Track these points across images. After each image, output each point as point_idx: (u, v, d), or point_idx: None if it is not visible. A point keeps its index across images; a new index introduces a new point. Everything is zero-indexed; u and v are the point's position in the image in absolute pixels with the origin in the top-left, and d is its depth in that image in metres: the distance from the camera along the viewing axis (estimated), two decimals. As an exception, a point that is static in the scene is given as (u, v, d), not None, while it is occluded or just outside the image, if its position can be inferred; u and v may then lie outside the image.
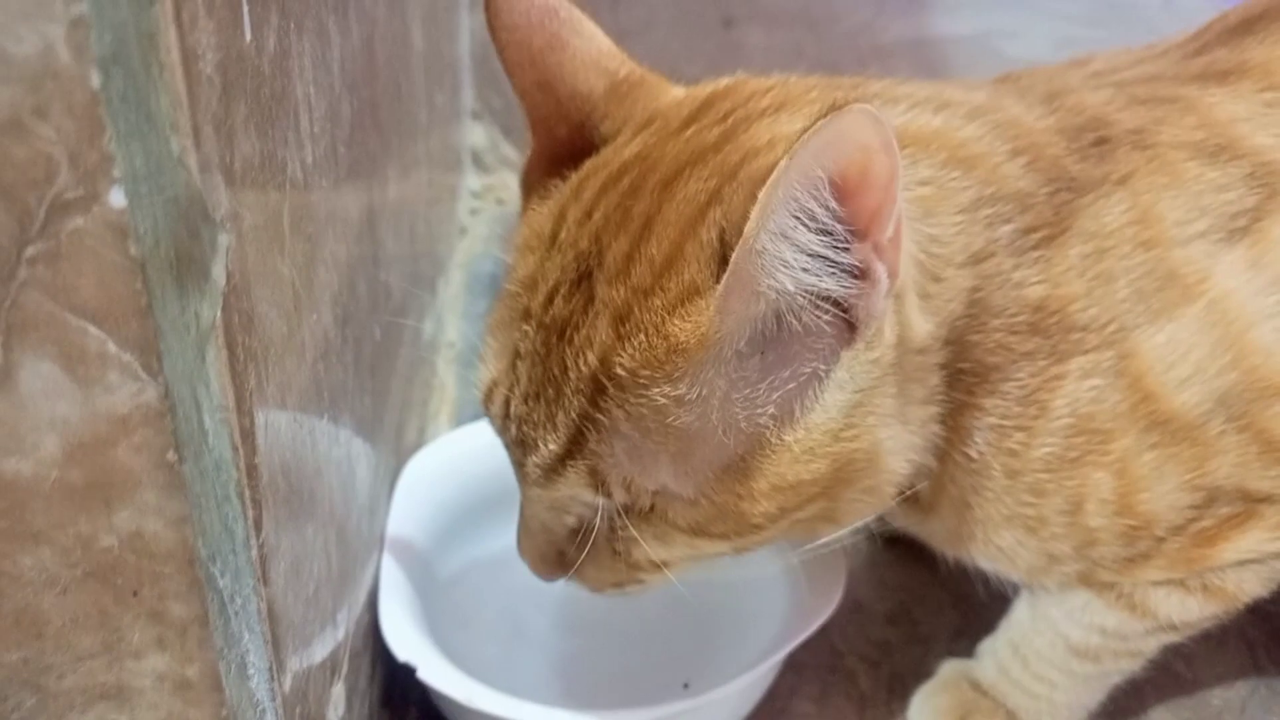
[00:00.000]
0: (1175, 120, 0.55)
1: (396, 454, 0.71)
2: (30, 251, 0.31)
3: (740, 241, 0.42)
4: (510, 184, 1.19)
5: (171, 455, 0.34)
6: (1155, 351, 0.52)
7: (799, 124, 0.49)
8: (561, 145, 0.53)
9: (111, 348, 0.32)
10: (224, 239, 0.33)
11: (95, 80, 0.29)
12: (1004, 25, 1.18)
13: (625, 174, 0.49)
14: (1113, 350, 0.52)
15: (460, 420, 0.87)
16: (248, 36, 0.36)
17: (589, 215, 0.49)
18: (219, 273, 0.33)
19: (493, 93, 1.16)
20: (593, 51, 0.53)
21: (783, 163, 0.40)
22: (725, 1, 1.16)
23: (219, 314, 0.33)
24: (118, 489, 0.35)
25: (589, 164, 0.51)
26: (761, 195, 0.41)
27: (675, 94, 0.54)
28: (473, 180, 1.19)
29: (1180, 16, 1.15)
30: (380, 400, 0.64)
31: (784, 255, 0.43)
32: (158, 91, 0.30)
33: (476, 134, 1.20)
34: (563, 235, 0.49)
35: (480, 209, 1.17)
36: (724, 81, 0.54)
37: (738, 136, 0.48)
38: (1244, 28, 0.61)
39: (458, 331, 0.98)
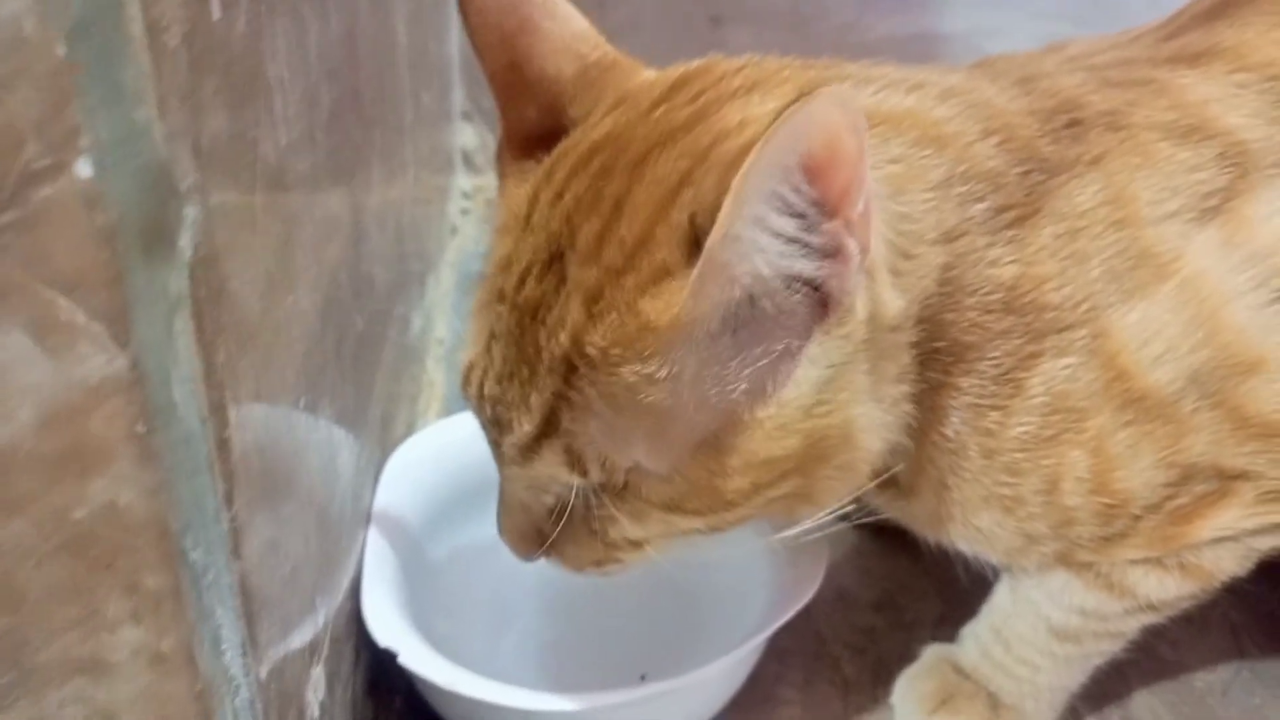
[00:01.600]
0: (1148, 102, 0.56)
1: (382, 446, 0.71)
2: (0, 221, 0.32)
3: (714, 229, 0.42)
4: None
5: (141, 427, 0.34)
6: (1128, 330, 0.52)
7: (770, 105, 0.49)
8: (532, 127, 0.54)
9: (81, 317, 0.33)
10: (191, 211, 0.33)
11: (61, 50, 0.30)
12: (990, 23, 1.19)
13: (596, 155, 0.49)
14: (1086, 329, 0.53)
15: (449, 416, 0.87)
16: (216, 14, 0.36)
17: (560, 196, 0.49)
18: (186, 244, 0.33)
19: (483, 94, 1.17)
20: (565, 35, 0.54)
21: (755, 150, 0.40)
22: (713, 0, 1.17)
23: (186, 285, 0.34)
24: (91, 459, 0.35)
25: (560, 146, 0.52)
26: (735, 183, 0.41)
27: (646, 75, 0.55)
28: (464, 180, 1.19)
29: (1165, 13, 1.16)
30: (364, 391, 0.65)
31: (759, 241, 0.44)
32: (123, 62, 0.30)
33: (467, 135, 1.20)
34: (535, 217, 0.50)
35: (471, 209, 1.18)
36: (695, 62, 0.54)
37: (708, 117, 0.49)
38: (1216, 11, 0.61)
39: (448, 329, 0.98)
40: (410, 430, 0.82)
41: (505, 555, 0.56)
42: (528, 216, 0.50)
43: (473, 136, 1.21)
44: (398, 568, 0.65)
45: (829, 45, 1.18)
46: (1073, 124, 0.55)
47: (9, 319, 0.33)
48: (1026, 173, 0.53)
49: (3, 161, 0.31)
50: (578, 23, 0.54)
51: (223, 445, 0.37)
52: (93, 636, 0.38)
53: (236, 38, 0.39)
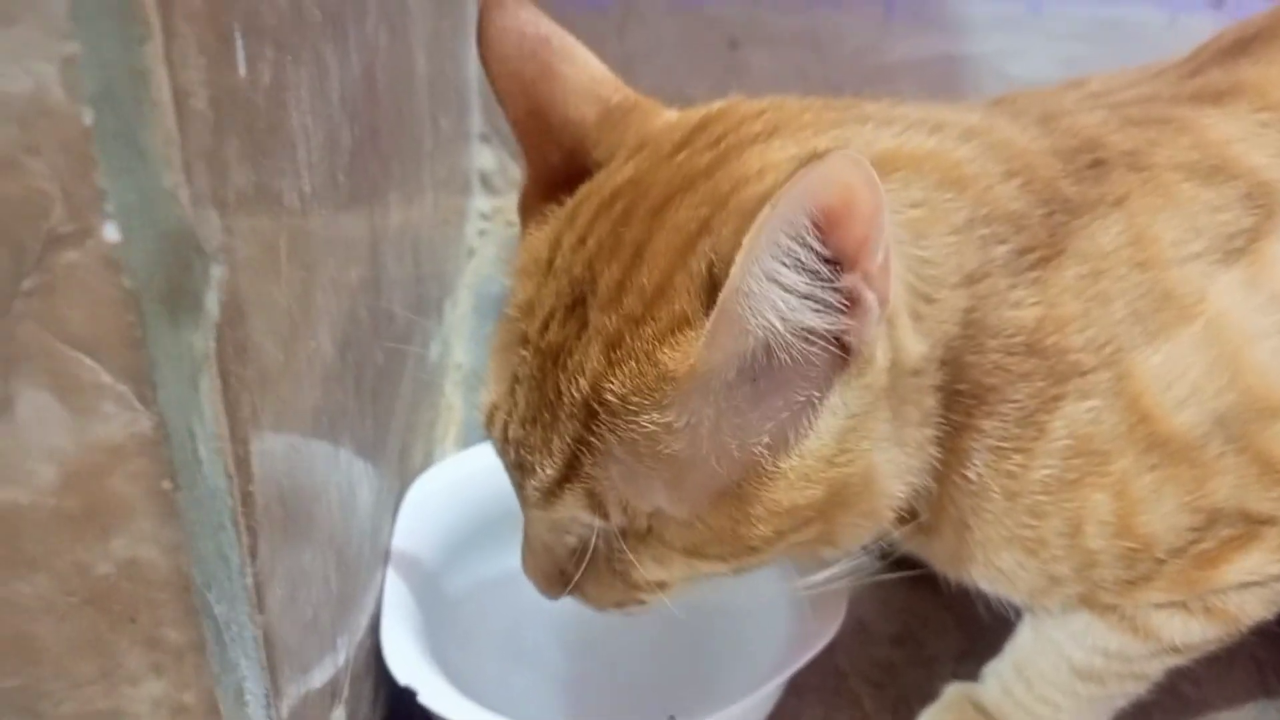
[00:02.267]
0: (1170, 141, 0.55)
1: (400, 476, 0.71)
2: (26, 285, 0.32)
3: (727, 282, 0.42)
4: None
5: (166, 484, 0.35)
6: (1152, 372, 0.52)
7: (790, 150, 0.49)
8: (556, 172, 0.54)
9: (106, 378, 0.33)
10: (217, 270, 0.33)
11: (87, 118, 0.30)
12: (1008, 46, 1.18)
13: (618, 199, 0.49)
14: (1110, 371, 0.52)
15: (467, 442, 0.87)
16: (242, 71, 0.37)
17: (583, 241, 0.49)
18: (212, 304, 0.33)
19: (500, 116, 1.17)
20: (584, 79, 0.54)
21: (767, 207, 0.40)
22: (730, 24, 1.16)
23: (212, 344, 0.34)
24: (113, 517, 0.35)
25: (583, 189, 0.52)
26: (746, 240, 0.41)
27: (668, 118, 0.55)
28: (481, 202, 1.20)
29: (1185, 35, 1.15)
30: (383, 423, 0.65)
31: (770, 296, 0.43)
32: (149, 128, 0.31)
33: (485, 156, 1.20)
34: (558, 261, 0.50)
35: (489, 230, 1.18)
36: (717, 104, 0.54)
37: (729, 163, 0.49)
38: (1238, 48, 0.61)
39: (465, 353, 0.98)
40: (428, 457, 0.82)
41: (523, 590, 0.56)
42: (550, 261, 0.50)
43: (490, 158, 1.21)
44: (416, 603, 0.65)
45: (847, 68, 1.18)
46: (1095, 164, 0.55)
47: (34, 380, 0.33)
48: (1049, 214, 0.53)
49: (29, 226, 0.31)
50: (596, 67, 0.55)
51: (247, 499, 0.37)
52: (114, 690, 0.39)
53: (261, 92, 0.39)
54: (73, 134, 0.30)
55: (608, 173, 0.52)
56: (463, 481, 0.73)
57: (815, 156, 0.40)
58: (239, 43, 0.36)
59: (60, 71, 0.29)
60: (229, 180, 0.35)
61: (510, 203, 1.21)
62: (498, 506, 0.65)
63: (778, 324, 0.44)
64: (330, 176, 0.49)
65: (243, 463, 0.37)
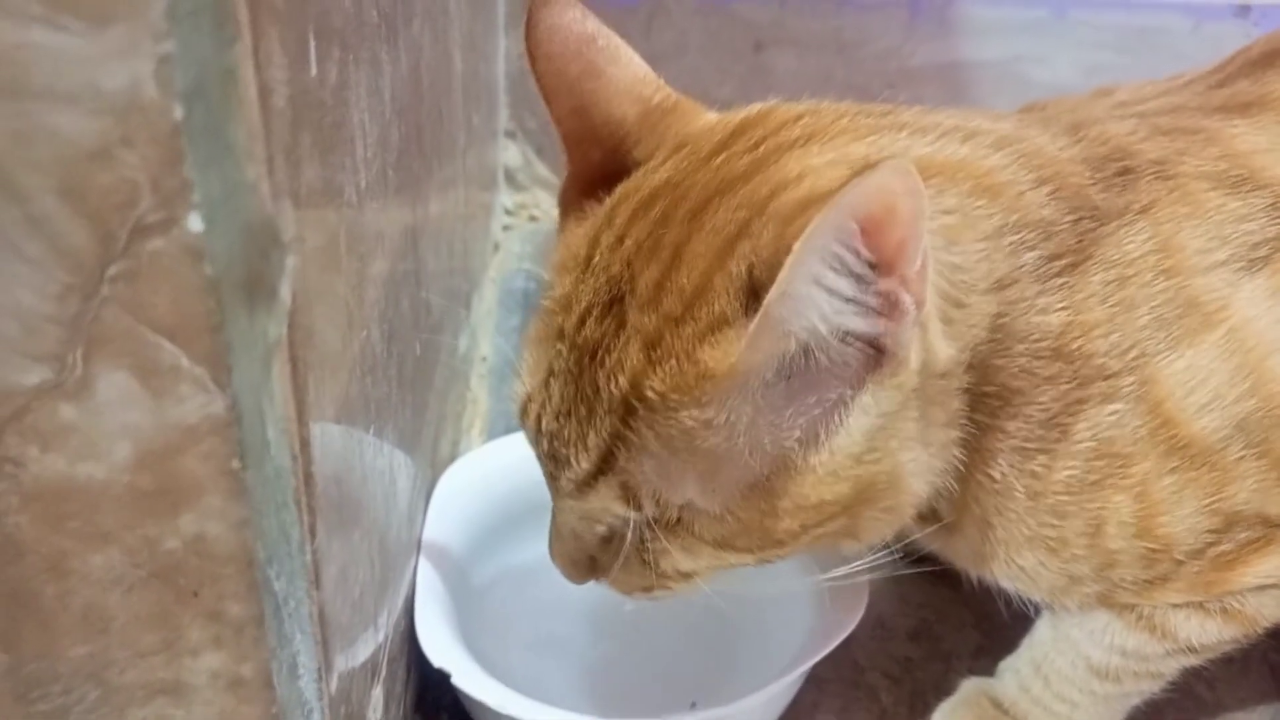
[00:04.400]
0: (1198, 151, 0.57)
1: (432, 466, 0.73)
2: (112, 270, 0.33)
3: (774, 286, 0.44)
4: (542, 201, 1.21)
5: (235, 463, 0.36)
6: (1175, 378, 0.53)
7: (828, 156, 0.51)
8: (596, 169, 0.55)
9: (184, 361, 0.34)
10: (291, 261, 0.35)
11: (178, 112, 0.31)
12: (1032, 50, 1.19)
13: (656, 200, 0.51)
14: (1133, 376, 0.53)
15: (492, 433, 0.89)
16: (313, 70, 0.38)
17: (621, 240, 0.50)
18: (286, 292, 0.35)
19: (526, 112, 1.18)
20: (628, 78, 0.55)
21: (818, 217, 0.42)
22: (756, 25, 1.17)
23: (284, 331, 0.35)
24: (184, 494, 0.37)
25: (621, 188, 0.53)
26: (796, 245, 0.42)
27: (707, 119, 0.56)
28: (506, 198, 1.21)
29: (1209, 42, 1.16)
30: (419, 413, 0.66)
31: (815, 299, 0.45)
32: (235, 123, 0.32)
33: (510, 152, 1.22)
34: (596, 259, 0.51)
35: (513, 225, 1.19)
36: (756, 108, 0.55)
37: (767, 167, 0.50)
38: (1267, 60, 0.62)
39: (490, 346, 1.00)
40: (455, 447, 0.84)
41: (551, 577, 0.57)
42: (588, 258, 0.51)
43: (516, 154, 1.22)
44: (447, 590, 0.66)
45: (872, 71, 1.19)
46: (1123, 172, 0.56)
47: (115, 361, 0.35)
48: (1077, 220, 0.54)
49: (119, 214, 0.33)
50: (639, 66, 0.56)
51: (309, 479, 0.39)
52: (175, 661, 0.40)
53: (328, 91, 0.40)
54: (164, 128, 0.31)
55: (646, 172, 0.53)
56: (491, 473, 0.74)
57: (867, 166, 0.41)
58: (312, 42, 0.38)
59: (155, 69, 0.31)
60: (301, 174, 0.37)
61: (533, 198, 1.23)
62: (525, 497, 0.67)
63: (820, 326, 0.45)
64: (382, 172, 0.51)
65: (306, 445, 0.39)
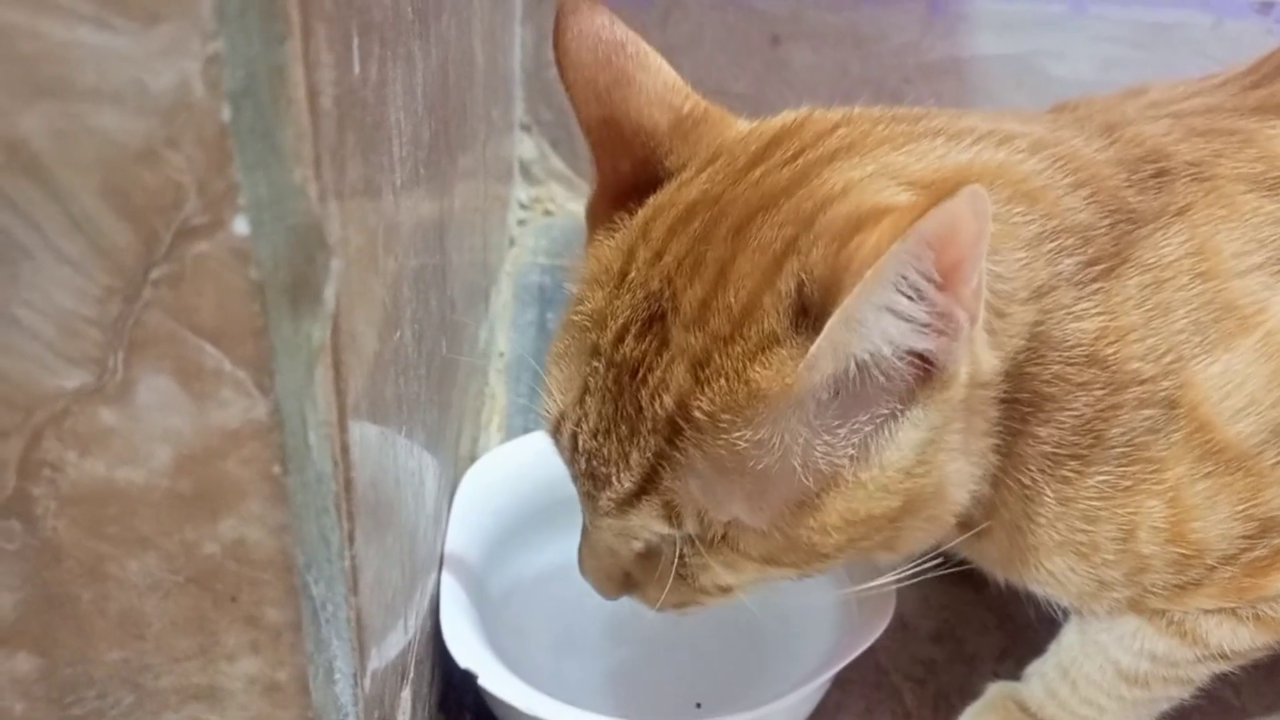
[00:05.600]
0: (1234, 153, 0.56)
1: (454, 464, 0.72)
2: (155, 273, 0.33)
3: (838, 311, 0.43)
4: (557, 195, 1.20)
5: (277, 469, 0.36)
6: (1210, 382, 0.53)
7: (869, 168, 0.50)
8: (626, 179, 0.54)
9: (227, 366, 0.34)
10: (336, 264, 0.34)
11: (226, 113, 0.31)
12: (1049, 46, 1.18)
13: (695, 215, 0.50)
14: (1169, 380, 0.53)
15: (509, 428, 0.89)
16: (356, 69, 0.38)
17: (659, 256, 0.50)
18: (330, 296, 0.34)
19: (542, 105, 1.18)
20: (658, 86, 0.54)
21: (895, 245, 0.41)
22: (772, 19, 1.17)
23: (328, 335, 0.35)
24: (224, 499, 0.36)
25: (655, 201, 0.52)
26: (868, 275, 0.42)
27: (740, 129, 0.55)
28: (521, 191, 1.20)
29: (1228, 39, 1.15)
30: (444, 412, 0.66)
31: (883, 325, 0.45)
32: (283, 124, 0.31)
33: (525, 146, 1.21)
34: (632, 274, 0.50)
35: (528, 219, 1.19)
36: (790, 116, 0.55)
37: (809, 181, 0.49)
38: (1303, 62, 0.61)
39: (507, 341, 0.99)
40: (475, 444, 0.84)
41: (572, 580, 0.57)
42: (623, 273, 0.51)
43: (531, 148, 1.22)
44: (471, 589, 0.66)
45: (889, 66, 1.18)
46: (1159, 174, 0.55)
47: (157, 365, 0.34)
48: (1114, 224, 0.54)
49: (163, 216, 0.32)
50: (669, 74, 0.55)
51: (349, 484, 0.39)
52: (211, 665, 0.40)
53: (370, 90, 0.40)
54: (211, 129, 0.31)
55: (681, 184, 0.52)
56: (514, 472, 0.74)
57: (943, 193, 0.41)
58: (355, 40, 0.37)
59: (203, 69, 0.30)
60: (346, 175, 0.36)
61: (548, 192, 1.22)
62: (548, 496, 0.66)
63: (885, 349, 0.45)
64: (415, 170, 0.50)
65: (346, 449, 0.38)
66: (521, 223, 1.18)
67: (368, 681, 0.44)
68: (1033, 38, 1.20)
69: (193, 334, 0.34)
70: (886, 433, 0.48)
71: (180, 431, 0.35)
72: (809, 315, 0.45)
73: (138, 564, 0.38)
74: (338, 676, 0.41)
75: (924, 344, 0.46)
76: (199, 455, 0.36)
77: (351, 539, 0.39)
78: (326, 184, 0.34)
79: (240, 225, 0.32)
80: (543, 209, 1.20)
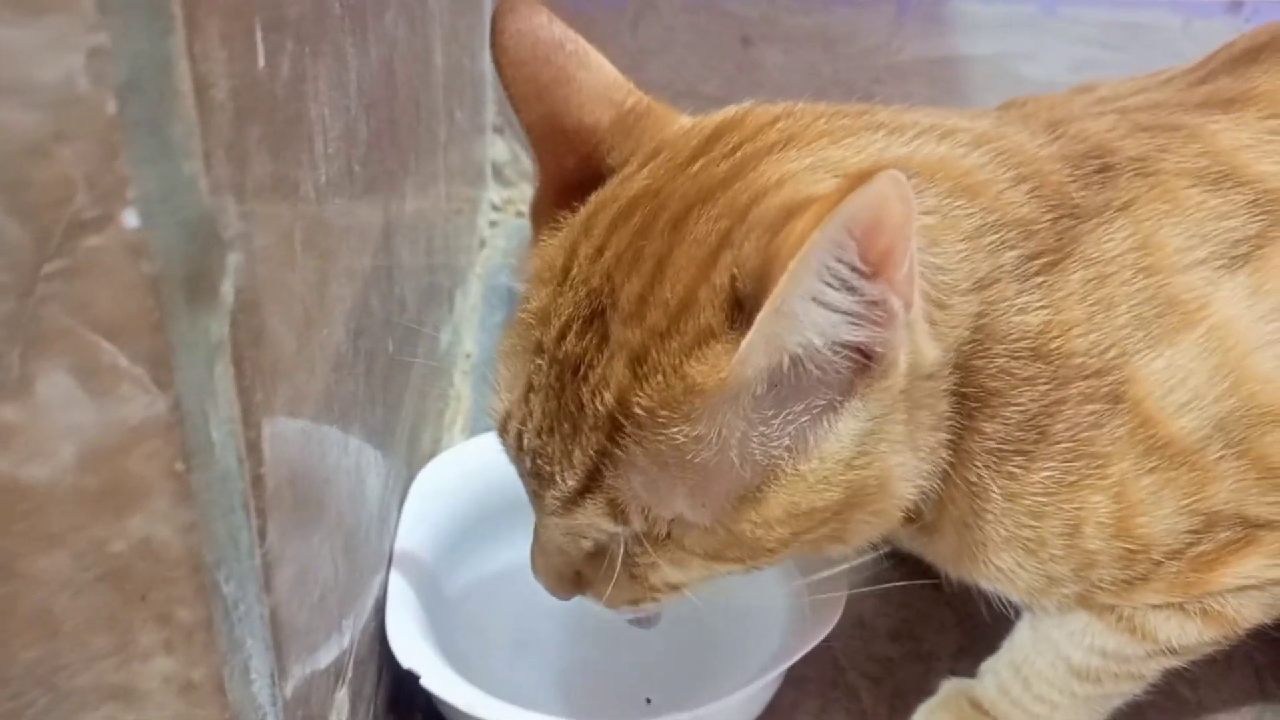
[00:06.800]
0: (1178, 148, 0.56)
1: (409, 464, 0.72)
2: (48, 268, 0.32)
3: (767, 303, 0.43)
4: (530, 197, 1.20)
5: (180, 465, 0.35)
6: (1154, 377, 0.53)
7: (807, 160, 0.50)
8: (570, 176, 0.54)
9: (124, 361, 0.34)
10: (234, 258, 0.34)
11: (112, 106, 0.31)
12: (1021, 47, 1.18)
13: (635, 210, 0.50)
14: (1112, 375, 0.53)
15: (474, 430, 0.88)
16: (261, 63, 0.37)
17: (600, 252, 0.49)
18: (228, 291, 0.34)
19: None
20: (599, 83, 0.54)
21: (815, 233, 0.41)
22: (744, 21, 1.17)
23: (228, 330, 0.35)
24: (129, 496, 0.36)
25: (597, 196, 0.52)
26: (792, 265, 0.42)
27: (682, 124, 0.55)
28: (493, 193, 1.20)
29: (1199, 39, 1.15)
30: (393, 411, 0.65)
31: (813, 316, 0.44)
32: (171, 117, 0.31)
33: (498, 148, 1.21)
34: (575, 271, 0.50)
35: (500, 221, 1.19)
36: (732, 111, 0.55)
37: (746, 174, 0.49)
38: (1249, 56, 0.61)
39: (475, 343, 0.99)
40: (436, 445, 0.83)
41: (526, 581, 0.57)
42: (566, 269, 0.50)
43: (503, 149, 1.22)
44: (421, 589, 0.65)
45: (859, 67, 1.18)
46: (1103, 169, 0.55)
47: (54, 362, 0.34)
48: (1057, 218, 0.53)
49: (53, 211, 0.32)
50: (610, 71, 0.55)
51: (257, 482, 0.38)
52: (126, 665, 0.40)
53: (280, 84, 0.39)
54: (98, 122, 0.31)
55: (623, 180, 0.52)
56: (469, 471, 0.73)
57: (860, 178, 0.40)
58: (258, 35, 0.37)
59: (88, 61, 0.30)
60: (247, 170, 0.36)
61: (521, 194, 1.22)
62: (502, 498, 0.66)
63: (816, 340, 0.45)
64: (346, 167, 0.50)
65: (254, 447, 0.38)
66: (493, 224, 1.18)
67: (289, 682, 0.44)
68: (1004, 39, 1.20)
69: (89, 329, 0.33)
70: (825, 424, 0.47)
71: (82, 428, 0.35)
72: (744, 309, 0.45)
73: (48, 561, 0.37)
74: (254, 676, 0.41)
75: (857, 336, 0.46)
76: (102, 452, 0.35)
77: (263, 537, 0.39)
78: (220, 177, 0.33)
79: (131, 219, 0.32)
80: (515, 210, 1.19)
